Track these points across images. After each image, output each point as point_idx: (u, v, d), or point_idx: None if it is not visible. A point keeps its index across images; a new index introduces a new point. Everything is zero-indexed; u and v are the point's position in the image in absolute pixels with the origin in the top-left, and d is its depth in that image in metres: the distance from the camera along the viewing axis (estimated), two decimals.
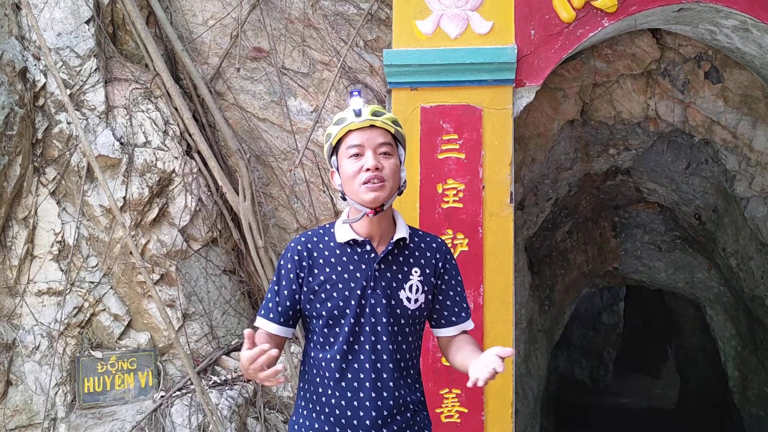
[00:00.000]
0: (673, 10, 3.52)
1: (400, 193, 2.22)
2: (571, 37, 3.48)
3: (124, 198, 3.90)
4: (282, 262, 2.22)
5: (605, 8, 3.45)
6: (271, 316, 2.19)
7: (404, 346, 2.17)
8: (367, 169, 2.10)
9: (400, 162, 2.21)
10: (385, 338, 2.12)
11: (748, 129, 4.22)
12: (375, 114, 2.14)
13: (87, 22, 4.00)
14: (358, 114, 2.13)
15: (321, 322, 2.15)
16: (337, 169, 2.19)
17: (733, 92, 4.12)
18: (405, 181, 2.24)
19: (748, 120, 4.19)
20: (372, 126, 2.13)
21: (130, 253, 3.87)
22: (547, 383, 7.24)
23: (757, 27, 3.47)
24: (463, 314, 2.27)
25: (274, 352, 1.92)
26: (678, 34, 4.00)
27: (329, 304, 2.13)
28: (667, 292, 8.10)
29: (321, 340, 2.17)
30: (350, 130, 2.14)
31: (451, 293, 2.25)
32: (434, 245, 2.27)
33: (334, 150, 2.20)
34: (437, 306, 2.24)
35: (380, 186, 2.11)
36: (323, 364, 2.14)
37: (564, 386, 11.22)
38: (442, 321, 2.26)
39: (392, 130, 2.17)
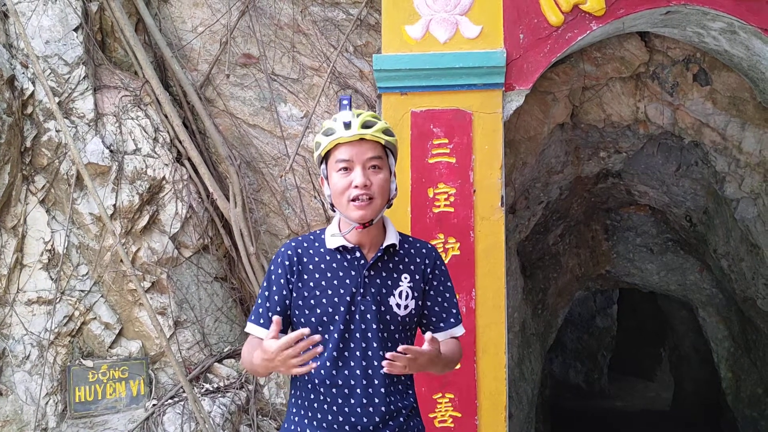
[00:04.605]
0: (660, 13, 3.54)
1: (389, 205, 2.21)
2: (559, 40, 3.49)
3: (114, 206, 3.88)
4: (272, 268, 2.20)
5: (593, 12, 3.47)
6: (262, 321, 2.17)
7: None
8: (356, 186, 2.09)
9: (391, 172, 2.20)
10: (375, 344, 2.11)
11: (737, 131, 4.24)
12: (365, 125, 2.11)
13: (75, 30, 3.99)
14: (347, 126, 2.10)
15: (310, 329, 2.14)
16: (327, 178, 2.18)
17: (722, 94, 4.14)
18: (395, 192, 2.23)
19: (737, 122, 4.21)
20: (362, 139, 2.11)
21: (121, 261, 3.85)
22: (541, 387, 7.24)
23: (744, 29, 3.49)
24: (451, 320, 2.25)
25: (317, 337, 1.93)
26: (666, 37, 4.02)
27: (318, 311, 2.13)
28: (659, 294, 8.13)
29: (311, 347, 2.15)
30: (339, 143, 2.12)
31: (439, 299, 2.24)
32: (424, 251, 2.26)
33: (324, 159, 2.19)
34: (425, 311, 2.24)
35: (368, 204, 2.10)
36: (314, 371, 2.13)
37: (559, 390, 11.23)
38: (431, 327, 2.25)
39: (383, 142, 2.15)
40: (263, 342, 1.95)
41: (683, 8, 3.48)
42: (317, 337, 1.94)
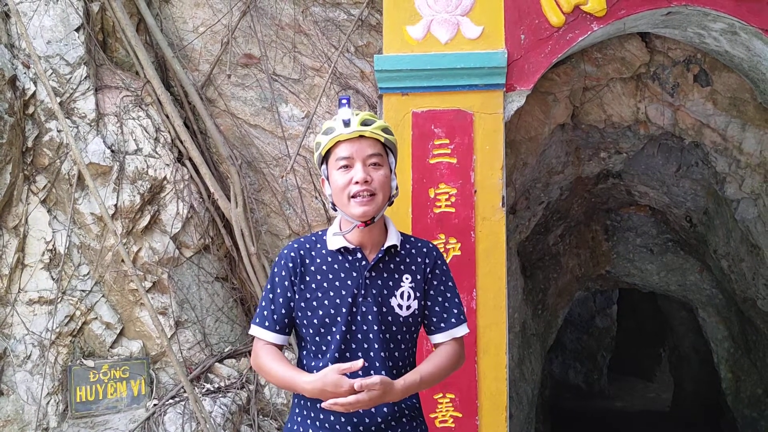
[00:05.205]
0: (661, 13, 3.55)
1: (390, 203, 2.22)
2: (560, 41, 3.50)
3: (116, 206, 3.89)
4: (275, 270, 2.21)
5: (594, 12, 3.48)
6: (267, 324, 2.18)
7: (396, 354, 2.16)
8: (356, 182, 2.09)
9: (391, 170, 2.21)
10: (377, 345, 2.12)
11: (738, 131, 4.25)
12: (364, 123, 2.13)
13: (77, 30, 4.00)
14: (347, 124, 2.11)
15: (312, 331, 2.15)
16: (327, 178, 2.19)
17: (722, 95, 4.14)
18: (396, 190, 2.23)
19: (738, 122, 4.22)
20: (361, 136, 2.12)
21: (122, 260, 3.86)
22: (541, 387, 7.24)
23: (744, 30, 3.50)
24: (452, 320, 2.24)
25: (359, 363, 1.99)
26: (667, 38, 4.02)
27: (320, 312, 2.13)
28: (659, 294, 8.13)
29: (314, 348, 2.16)
30: (339, 141, 2.13)
31: (440, 299, 2.24)
32: (425, 250, 2.26)
33: (324, 158, 2.20)
34: (426, 312, 2.24)
35: (369, 200, 2.11)
36: (316, 372, 2.13)
37: (559, 390, 11.23)
38: (432, 327, 2.25)
39: (382, 140, 2.16)
40: (332, 375, 1.96)
41: (684, 9, 3.48)
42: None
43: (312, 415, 2.14)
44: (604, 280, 7.18)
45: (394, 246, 2.20)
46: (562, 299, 6.99)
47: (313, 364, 2.14)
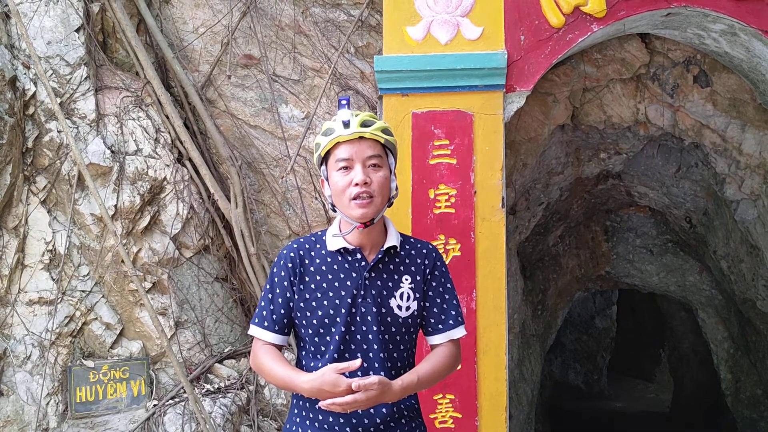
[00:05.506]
0: (661, 14, 3.55)
1: (390, 204, 2.22)
2: (560, 42, 3.50)
3: (116, 206, 3.89)
4: (275, 270, 2.21)
5: (594, 13, 3.48)
6: (266, 324, 2.18)
7: (395, 354, 2.16)
8: (356, 184, 2.09)
9: (391, 171, 2.21)
10: (376, 346, 2.12)
11: (737, 132, 4.25)
12: (364, 124, 2.12)
13: (77, 31, 4.00)
14: (346, 125, 2.11)
15: (311, 331, 2.15)
16: (327, 179, 2.19)
17: (722, 96, 4.15)
18: (396, 191, 2.23)
19: (737, 123, 4.22)
20: (361, 137, 2.12)
21: (122, 261, 3.86)
22: (541, 388, 7.24)
23: (744, 31, 3.50)
24: (450, 321, 2.23)
25: (357, 362, 2.01)
26: (667, 39, 4.03)
27: (319, 313, 2.13)
28: (659, 295, 8.13)
29: (312, 349, 2.16)
30: (339, 142, 2.13)
31: (438, 300, 2.24)
32: (424, 251, 2.26)
33: (324, 159, 2.20)
34: (425, 313, 2.23)
35: (369, 202, 2.10)
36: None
37: (558, 391, 11.23)
38: (429, 329, 2.24)
39: (382, 141, 2.16)
40: (330, 374, 1.97)
41: (684, 10, 3.49)
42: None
43: (311, 415, 2.14)
44: (604, 280, 7.18)
45: (394, 247, 2.20)
46: (562, 300, 6.99)
47: (312, 364, 2.14)
